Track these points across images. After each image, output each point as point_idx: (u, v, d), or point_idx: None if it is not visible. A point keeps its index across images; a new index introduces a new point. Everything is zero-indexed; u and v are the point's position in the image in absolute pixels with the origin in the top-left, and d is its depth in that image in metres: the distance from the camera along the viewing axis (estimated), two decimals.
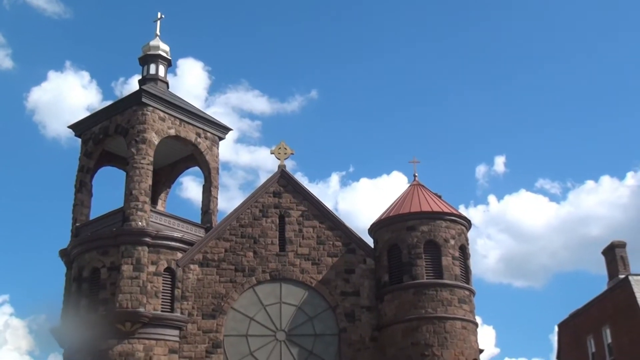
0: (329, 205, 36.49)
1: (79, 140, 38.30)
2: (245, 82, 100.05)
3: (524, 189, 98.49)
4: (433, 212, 34.45)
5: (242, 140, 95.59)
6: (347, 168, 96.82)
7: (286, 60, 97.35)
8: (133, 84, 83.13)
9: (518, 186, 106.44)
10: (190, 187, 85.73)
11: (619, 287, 39.20)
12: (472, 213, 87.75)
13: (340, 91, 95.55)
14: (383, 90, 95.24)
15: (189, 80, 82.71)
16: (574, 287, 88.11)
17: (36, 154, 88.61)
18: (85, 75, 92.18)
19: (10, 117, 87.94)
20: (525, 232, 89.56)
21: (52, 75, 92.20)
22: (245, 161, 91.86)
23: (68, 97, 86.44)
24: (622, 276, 39.78)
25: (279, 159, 36.85)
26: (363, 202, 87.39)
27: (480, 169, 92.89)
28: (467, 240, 35.22)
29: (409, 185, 37.20)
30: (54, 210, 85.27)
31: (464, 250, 34.72)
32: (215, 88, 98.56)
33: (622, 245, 41.79)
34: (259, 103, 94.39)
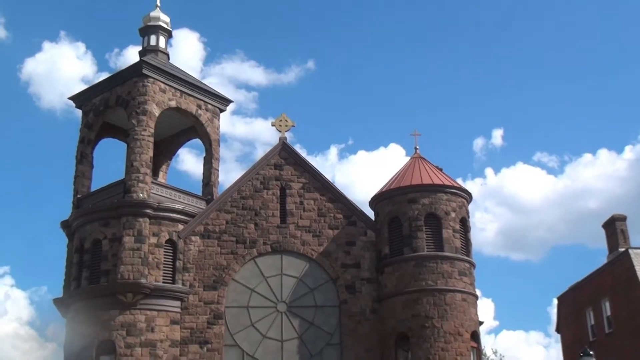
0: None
1: (75, 111, 38.25)
2: (240, 53, 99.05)
3: (521, 162, 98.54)
4: (434, 184, 34.45)
5: (239, 111, 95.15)
6: (347, 140, 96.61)
7: (282, 30, 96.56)
8: (127, 56, 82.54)
9: (515, 159, 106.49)
10: (187, 159, 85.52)
11: (619, 260, 39.39)
12: (470, 186, 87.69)
13: (338, 61, 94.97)
14: (380, 62, 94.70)
15: (185, 52, 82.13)
16: (572, 261, 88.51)
17: (32, 126, 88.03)
18: (81, 46, 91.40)
19: (4, 89, 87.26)
20: (522, 205, 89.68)
21: (46, 45, 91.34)
22: (241, 133, 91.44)
23: (63, 68, 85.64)
24: (622, 249, 39.96)
25: (280, 131, 36.77)
26: (360, 175, 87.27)
27: (478, 142, 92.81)
28: (467, 213, 35.25)
29: (410, 157, 37.17)
30: (53, 181, 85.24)
31: (464, 223, 34.77)
32: (210, 59, 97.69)
33: (623, 218, 41.94)
34: (255, 74, 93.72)
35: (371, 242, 34.80)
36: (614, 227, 41.61)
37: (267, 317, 33.49)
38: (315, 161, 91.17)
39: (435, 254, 33.18)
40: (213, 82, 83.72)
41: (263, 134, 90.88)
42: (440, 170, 36.34)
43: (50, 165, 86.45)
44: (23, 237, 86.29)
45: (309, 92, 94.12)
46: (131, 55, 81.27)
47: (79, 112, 38.03)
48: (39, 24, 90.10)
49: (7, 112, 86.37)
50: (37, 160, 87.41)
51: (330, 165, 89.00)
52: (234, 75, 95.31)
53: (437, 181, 34.69)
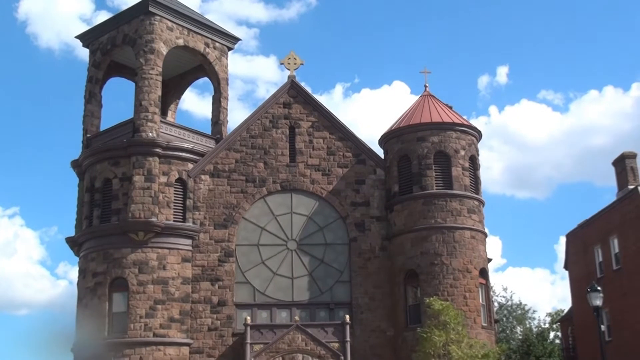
0: None
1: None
2: None
3: (525, 99, 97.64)
4: (443, 122, 34.29)
5: (239, 49, 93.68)
6: (353, 79, 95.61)
7: None
8: None
9: (520, 97, 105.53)
10: (189, 98, 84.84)
11: (628, 197, 39.38)
12: (474, 124, 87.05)
13: None
14: None
15: None
16: (578, 198, 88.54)
17: (32, 66, 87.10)
18: None
19: (1, 30, 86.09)
20: (528, 143, 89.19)
21: None
22: (243, 71, 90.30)
23: (60, 6, 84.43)
24: (631, 187, 39.89)
25: (288, 70, 36.48)
26: (364, 113, 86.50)
27: (483, 80, 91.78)
28: (477, 150, 35.16)
29: (419, 95, 36.93)
30: (58, 121, 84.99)
31: (473, 161, 34.71)
32: None
33: (633, 156, 41.71)
34: (255, 10, 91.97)
35: (380, 181, 34.85)
36: (623, 165, 41.43)
37: (277, 254, 33.83)
38: (320, 100, 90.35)
39: (445, 191, 33.24)
40: (212, 19, 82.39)
41: (265, 72, 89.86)
42: (450, 108, 36.12)
43: (54, 105, 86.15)
44: (32, 177, 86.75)
45: (311, 29, 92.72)
46: None
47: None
48: None
49: (6, 53, 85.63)
50: (40, 101, 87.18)
51: (335, 103, 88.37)
52: (234, 11, 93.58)
53: (446, 119, 34.52)
